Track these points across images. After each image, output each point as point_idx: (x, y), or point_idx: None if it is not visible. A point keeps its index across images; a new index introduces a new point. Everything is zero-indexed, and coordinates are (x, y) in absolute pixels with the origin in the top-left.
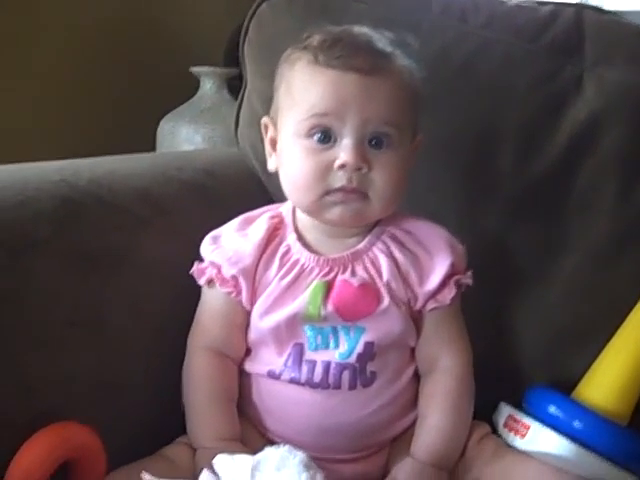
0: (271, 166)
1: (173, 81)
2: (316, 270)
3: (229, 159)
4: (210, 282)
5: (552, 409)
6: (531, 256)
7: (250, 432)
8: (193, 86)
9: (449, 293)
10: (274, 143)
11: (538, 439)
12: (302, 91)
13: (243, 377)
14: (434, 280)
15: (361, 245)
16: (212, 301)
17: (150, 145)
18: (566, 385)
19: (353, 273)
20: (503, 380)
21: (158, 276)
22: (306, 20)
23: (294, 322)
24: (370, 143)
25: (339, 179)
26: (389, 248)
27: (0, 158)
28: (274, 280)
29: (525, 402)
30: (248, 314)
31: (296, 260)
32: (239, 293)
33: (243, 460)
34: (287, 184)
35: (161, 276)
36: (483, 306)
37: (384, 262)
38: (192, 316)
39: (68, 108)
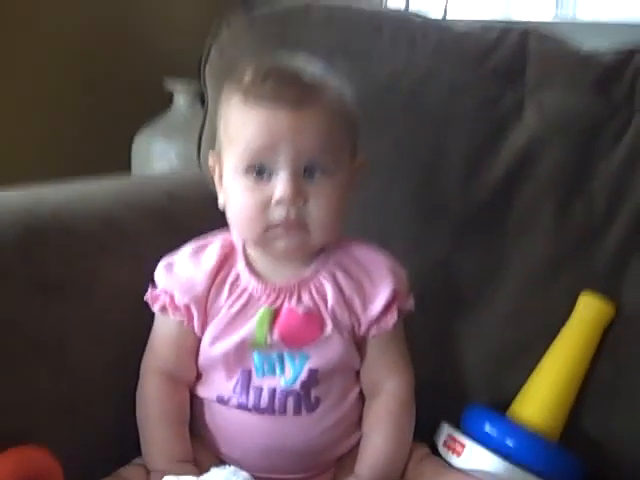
0: (220, 200)
1: (147, 93)
2: (263, 297)
3: (192, 182)
4: (163, 309)
5: (486, 428)
6: (473, 279)
7: (202, 453)
8: (167, 99)
9: (391, 319)
10: (220, 180)
11: (473, 457)
12: (237, 130)
13: (195, 400)
14: (376, 307)
15: (307, 273)
16: (164, 327)
17: (125, 159)
18: (504, 403)
19: (299, 300)
20: (445, 400)
21: (119, 302)
22: (263, 47)
23: (242, 348)
24: (305, 174)
25: (277, 214)
26: (334, 275)
27: None
28: (223, 308)
29: (462, 421)
30: (199, 340)
31: (244, 288)
32: (190, 320)
33: None
34: (232, 219)
35: (122, 302)
36: (426, 328)
37: (329, 289)
38: None
39: (39, 123)
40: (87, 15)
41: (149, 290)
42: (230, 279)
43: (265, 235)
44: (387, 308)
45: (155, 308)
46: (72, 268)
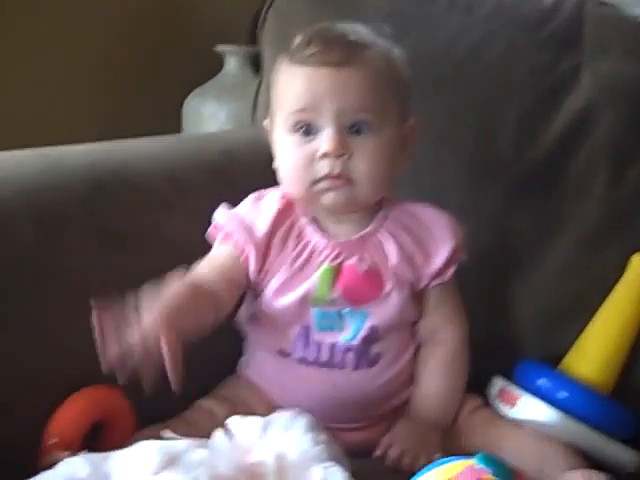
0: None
1: (198, 59)
2: (325, 252)
3: (247, 141)
4: (223, 240)
5: (539, 381)
6: (527, 238)
7: (258, 402)
8: (218, 64)
9: (451, 271)
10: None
11: (527, 409)
12: (283, 91)
13: (255, 352)
14: (439, 260)
15: (367, 229)
16: (217, 253)
17: (176, 121)
18: (556, 358)
19: (360, 258)
20: (498, 356)
21: (179, 254)
22: (320, 10)
23: (303, 303)
24: (351, 130)
25: (323, 167)
26: (394, 232)
27: (34, 139)
28: (288, 261)
29: (515, 375)
30: (248, 281)
31: (307, 242)
32: (246, 260)
33: (254, 421)
34: (282, 177)
35: (181, 254)
36: (480, 284)
37: (390, 247)
38: None
39: (97, 87)
40: None
41: (211, 227)
42: (294, 233)
43: (312, 189)
44: (449, 261)
45: (216, 241)
46: (134, 221)
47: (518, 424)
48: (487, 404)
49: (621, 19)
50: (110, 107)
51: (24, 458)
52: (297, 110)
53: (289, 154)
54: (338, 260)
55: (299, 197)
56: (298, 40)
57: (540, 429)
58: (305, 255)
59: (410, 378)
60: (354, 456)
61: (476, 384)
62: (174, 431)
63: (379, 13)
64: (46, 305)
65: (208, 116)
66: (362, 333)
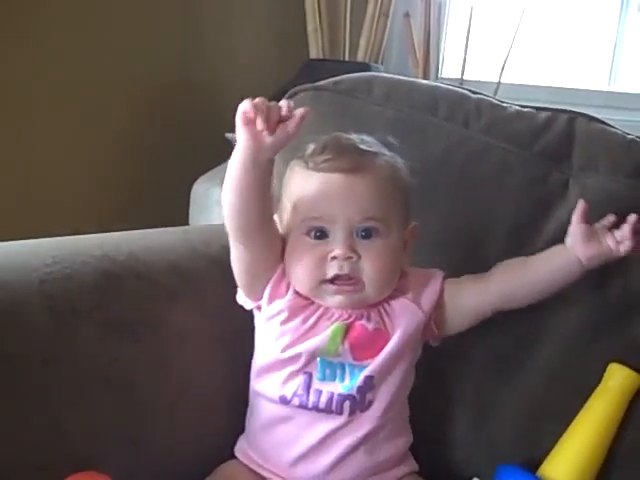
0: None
1: (207, 145)
2: (336, 315)
3: None
4: None
5: None
6: (512, 343)
7: (245, 477)
8: (227, 150)
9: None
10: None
11: None
12: (298, 195)
13: (255, 401)
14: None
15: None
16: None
17: (185, 205)
18: (536, 461)
19: (368, 318)
20: (479, 458)
21: (184, 345)
22: (327, 118)
23: (312, 356)
24: (359, 235)
25: (333, 268)
26: (400, 296)
27: (47, 227)
28: (298, 318)
29: (495, 478)
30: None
31: (320, 305)
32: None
33: None
34: (291, 273)
35: (187, 345)
36: (466, 385)
37: (397, 308)
38: (213, 379)
39: (109, 169)
40: (158, 70)
41: None
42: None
43: (319, 288)
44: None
45: None
46: (143, 312)
47: None
48: None
49: (610, 135)
50: (123, 187)
51: None
52: (312, 217)
53: (301, 254)
54: (349, 320)
55: (306, 293)
56: (312, 147)
57: None
58: (319, 313)
59: (397, 433)
60: None
61: None
62: None
63: (381, 122)
64: (53, 390)
65: (214, 201)
66: (359, 383)
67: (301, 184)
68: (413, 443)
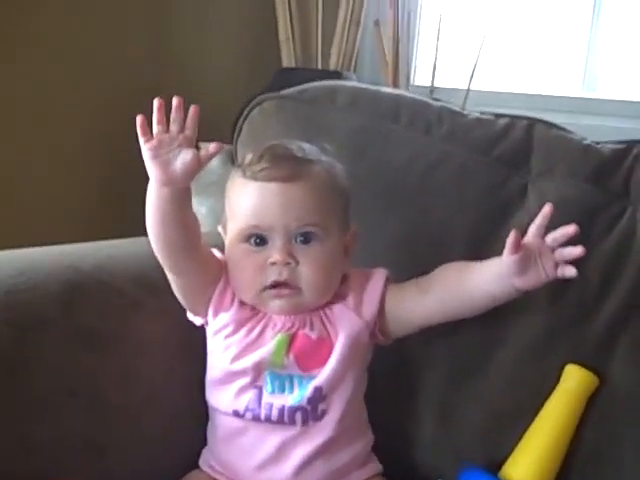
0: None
1: None
2: (279, 324)
3: (218, 245)
4: None
5: None
6: (473, 349)
7: None
8: None
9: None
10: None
11: None
12: (236, 203)
13: (212, 414)
14: (377, 287)
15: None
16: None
17: None
18: (498, 463)
19: (311, 327)
20: (443, 457)
21: (149, 351)
22: (291, 126)
23: (259, 368)
24: (298, 241)
25: (272, 274)
26: (343, 300)
27: (15, 239)
28: (244, 329)
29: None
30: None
31: (264, 314)
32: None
33: None
34: (233, 282)
35: (151, 351)
36: (429, 390)
37: (338, 314)
38: (179, 388)
39: (77, 186)
40: (128, 77)
41: None
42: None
43: (261, 295)
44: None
45: None
46: (108, 321)
47: None
48: None
49: (567, 140)
50: (94, 199)
51: None
52: (250, 225)
53: (241, 261)
54: (292, 330)
55: (249, 301)
56: (250, 156)
57: None
58: (262, 325)
59: (356, 436)
60: None
61: None
62: None
63: (345, 131)
64: (17, 401)
65: None
66: (308, 394)
67: (240, 193)
68: (378, 444)
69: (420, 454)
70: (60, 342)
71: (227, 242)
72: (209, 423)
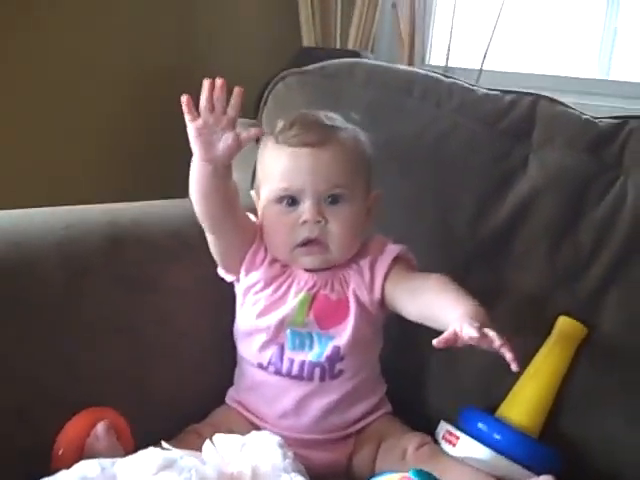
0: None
1: None
2: (302, 282)
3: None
4: None
5: (478, 424)
6: (477, 298)
7: (239, 422)
8: None
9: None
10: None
11: (465, 447)
12: (270, 167)
13: (241, 366)
14: (382, 266)
15: (339, 265)
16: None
17: (186, 185)
18: (495, 406)
19: (331, 288)
20: (446, 401)
21: (182, 297)
22: (313, 99)
23: (281, 325)
24: (327, 201)
25: (303, 232)
26: (357, 264)
27: (62, 198)
28: (271, 286)
29: (459, 420)
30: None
31: (291, 272)
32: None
33: (235, 439)
34: (267, 241)
35: (184, 297)
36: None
37: (352, 277)
38: (209, 332)
39: (114, 156)
40: (157, 54)
41: None
42: (280, 262)
43: (293, 253)
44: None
45: None
46: (145, 270)
47: (459, 460)
48: (435, 442)
49: (568, 115)
50: (124, 170)
51: (41, 460)
52: (283, 187)
53: (275, 221)
54: (313, 290)
55: (282, 258)
56: (281, 124)
57: (476, 465)
58: (288, 282)
59: (368, 392)
60: (316, 478)
61: (427, 426)
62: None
63: (362, 103)
64: (68, 336)
65: None
66: (327, 352)
67: (273, 158)
68: (388, 388)
69: (426, 397)
70: (104, 286)
71: (261, 205)
72: (237, 368)
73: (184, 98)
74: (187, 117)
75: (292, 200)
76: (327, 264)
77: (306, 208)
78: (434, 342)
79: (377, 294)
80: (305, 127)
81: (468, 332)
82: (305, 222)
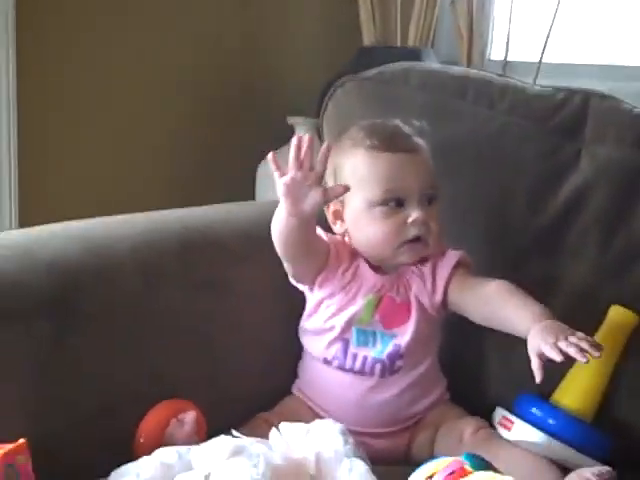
0: (339, 230)
1: (272, 129)
2: (370, 285)
3: None
4: None
5: (533, 410)
6: (530, 292)
7: (304, 411)
8: (289, 133)
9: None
10: (337, 214)
11: (520, 431)
12: (369, 172)
13: (306, 361)
14: (444, 272)
15: (403, 269)
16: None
17: (252, 184)
18: (549, 392)
19: (397, 291)
20: (503, 388)
21: (253, 299)
22: (370, 104)
23: (349, 323)
24: (425, 202)
25: (412, 231)
26: (420, 269)
27: (135, 206)
28: (344, 289)
29: (514, 406)
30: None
31: (360, 275)
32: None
33: (300, 426)
34: (364, 243)
35: (255, 299)
36: (490, 332)
37: (415, 282)
38: (280, 332)
39: (179, 158)
40: (221, 56)
41: None
42: (352, 269)
43: (397, 250)
44: (453, 270)
45: None
46: (217, 273)
47: (513, 444)
48: (491, 427)
49: (619, 110)
50: (192, 175)
51: (126, 449)
52: (389, 188)
53: (377, 223)
54: (381, 292)
55: (383, 257)
56: (364, 132)
57: (531, 449)
58: (357, 285)
59: (429, 387)
60: (376, 463)
61: (484, 411)
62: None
63: (417, 107)
64: (147, 339)
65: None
66: (388, 350)
67: (369, 165)
68: (448, 379)
69: (483, 387)
70: (178, 289)
71: (352, 210)
72: (301, 361)
73: (270, 155)
74: (275, 173)
75: (398, 201)
76: (423, 258)
77: (415, 208)
78: (538, 381)
79: (438, 298)
80: (395, 135)
81: (550, 356)
82: (414, 221)
